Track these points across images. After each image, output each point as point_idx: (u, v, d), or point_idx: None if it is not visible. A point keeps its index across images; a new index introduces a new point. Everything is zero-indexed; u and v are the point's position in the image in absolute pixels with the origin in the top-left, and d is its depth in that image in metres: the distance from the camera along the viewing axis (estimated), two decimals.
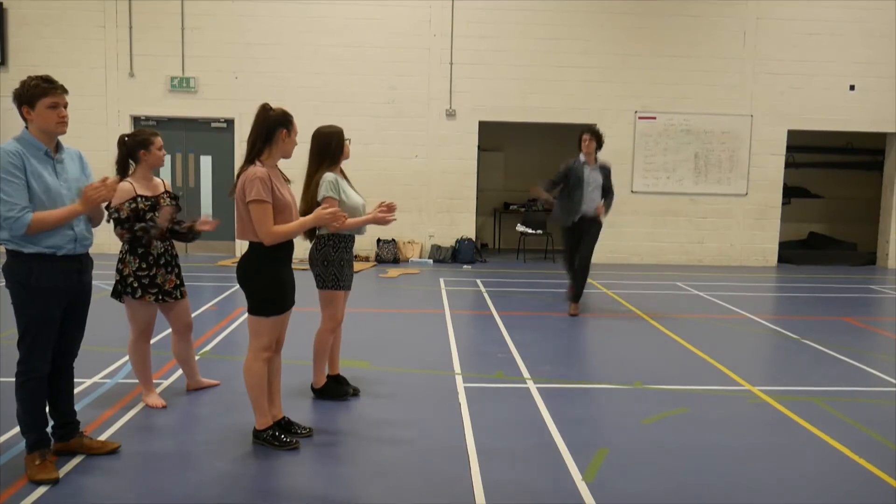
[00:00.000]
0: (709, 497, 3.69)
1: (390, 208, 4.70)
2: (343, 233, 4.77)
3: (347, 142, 4.87)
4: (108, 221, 4.46)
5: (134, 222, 4.54)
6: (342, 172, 4.94)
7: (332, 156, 4.81)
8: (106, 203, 4.15)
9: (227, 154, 12.62)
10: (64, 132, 3.61)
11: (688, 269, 12.60)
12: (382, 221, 4.71)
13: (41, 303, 3.58)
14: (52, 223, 3.51)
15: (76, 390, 4.35)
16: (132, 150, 4.65)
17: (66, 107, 3.61)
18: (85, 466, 3.83)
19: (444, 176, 12.97)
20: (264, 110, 3.99)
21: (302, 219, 4.02)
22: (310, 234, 4.79)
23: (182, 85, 12.55)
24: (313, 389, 5.07)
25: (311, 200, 4.73)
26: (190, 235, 4.82)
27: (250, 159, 4.00)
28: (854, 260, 13.93)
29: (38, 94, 3.52)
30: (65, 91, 3.60)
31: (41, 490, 3.53)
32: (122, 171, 4.66)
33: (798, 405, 5.12)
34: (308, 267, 4.94)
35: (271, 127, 3.96)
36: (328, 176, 4.74)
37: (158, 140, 4.70)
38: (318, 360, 5.00)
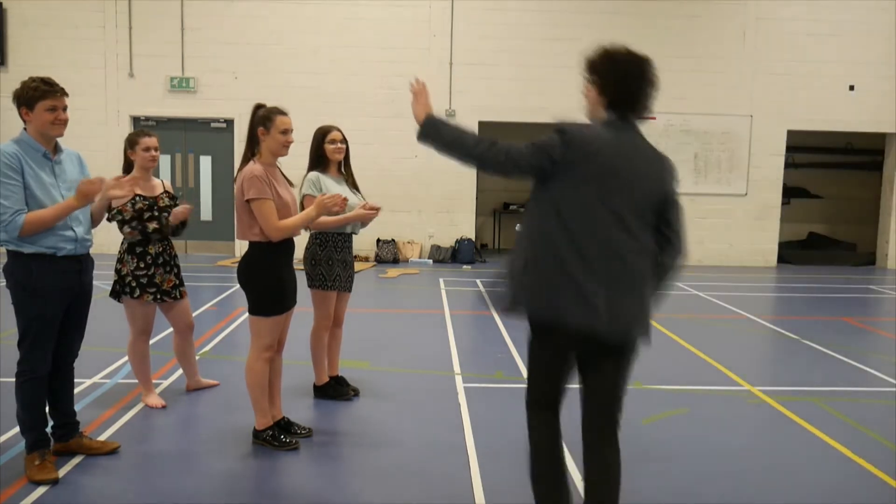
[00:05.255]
0: (709, 497, 3.68)
1: (373, 209, 4.63)
2: (330, 231, 4.76)
3: (332, 144, 4.78)
4: (110, 221, 4.47)
5: (144, 223, 4.55)
6: (341, 173, 4.92)
7: (315, 155, 4.81)
8: (108, 202, 4.14)
9: (226, 154, 12.62)
10: (61, 134, 3.61)
11: (687, 269, 12.58)
12: (366, 218, 4.66)
13: (41, 303, 3.58)
14: (46, 222, 3.50)
15: (76, 390, 4.34)
16: (124, 150, 4.68)
17: (65, 109, 3.60)
18: (84, 466, 3.83)
19: (443, 176, 12.96)
20: (254, 109, 4.02)
21: (305, 211, 4.01)
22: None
23: (182, 85, 12.55)
24: (315, 388, 5.07)
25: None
26: (179, 229, 4.81)
27: (245, 158, 4.03)
28: (854, 260, 13.94)
29: (38, 96, 3.51)
30: (64, 94, 3.59)
31: (41, 490, 3.53)
32: (127, 170, 4.69)
33: (798, 405, 5.12)
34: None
35: (252, 125, 3.99)
36: (310, 175, 4.75)
37: (144, 141, 4.63)
38: (316, 359, 4.99)
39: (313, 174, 4.75)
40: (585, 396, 2.90)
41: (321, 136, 4.81)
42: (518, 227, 2.87)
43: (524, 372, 5.71)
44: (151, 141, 4.67)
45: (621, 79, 2.77)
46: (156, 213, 4.65)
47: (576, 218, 2.66)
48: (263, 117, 3.96)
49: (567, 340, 2.75)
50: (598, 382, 2.86)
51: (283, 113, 3.99)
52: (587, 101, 2.90)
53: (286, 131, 3.97)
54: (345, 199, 3.98)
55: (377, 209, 4.61)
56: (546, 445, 2.89)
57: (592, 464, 2.87)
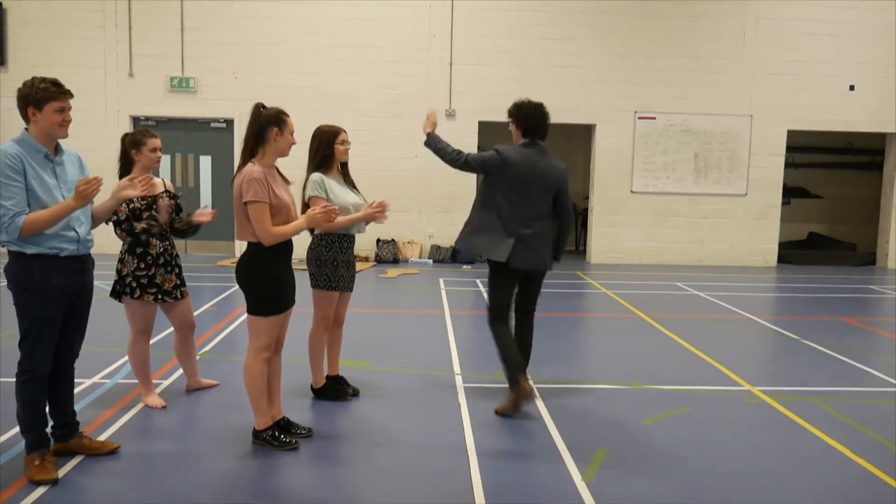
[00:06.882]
0: (708, 497, 3.68)
1: (381, 206, 4.69)
2: (336, 232, 4.76)
3: (343, 145, 4.81)
4: (108, 223, 4.46)
5: (132, 223, 4.54)
6: (341, 173, 4.93)
7: (321, 156, 4.80)
8: (120, 203, 4.13)
9: (226, 154, 12.63)
10: (65, 135, 3.62)
11: (687, 269, 12.60)
12: (374, 218, 4.70)
13: (43, 303, 3.58)
14: (46, 222, 3.49)
15: (76, 390, 4.34)
16: (126, 150, 4.65)
17: (69, 111, 3.62)
18: (84, 467, 3.83)
19: (444, 176, 12.93)
20: (257, 109, 4.00)
21: (297, 222, 4.01)
22: (312, 232, 4.78)
23: (182, 85, 12.55)
24: (313, 390, 5.07)
25: (302, 201, 4.74)
26: (191, 231, 4.83)
27: (244, 159, 4.01)
28: (854, 260, 13.94)
29: (48, 97, 3.51)
30: (71, 95, 3.61)
31: (41, 490, 3.53)
32: (123, 169, 4.65)
33: (798, 405, 5.12)
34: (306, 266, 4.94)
35: (262, 126, 3.96)
36: (314, 176, 4.74)
37: (151, 142, 4.62)
38: (314, 361, 4.99)
39: (317, 175, 4.74)
40: (518, 300, 4.99)
41: (332, 136, 4.81)
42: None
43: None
44: (157, 142, 4.67)
45: (529, 118, 4.74)
46: (155, 211, 4.64)
47: (505, 199, 4.70)
48: (276, 118, 3.96)
49: (510, 271, 4.74)
50: (525, 293, 5.00)
51: (288, 115, 4.03)
52: (512, 134, 4.83)
53: (293, 133, 4.03)
54: (336, 211, 3.99)
55: (384, 206, 4.68)
56: (507, 339, 4.81)
57: (519, 330, 4.99)
